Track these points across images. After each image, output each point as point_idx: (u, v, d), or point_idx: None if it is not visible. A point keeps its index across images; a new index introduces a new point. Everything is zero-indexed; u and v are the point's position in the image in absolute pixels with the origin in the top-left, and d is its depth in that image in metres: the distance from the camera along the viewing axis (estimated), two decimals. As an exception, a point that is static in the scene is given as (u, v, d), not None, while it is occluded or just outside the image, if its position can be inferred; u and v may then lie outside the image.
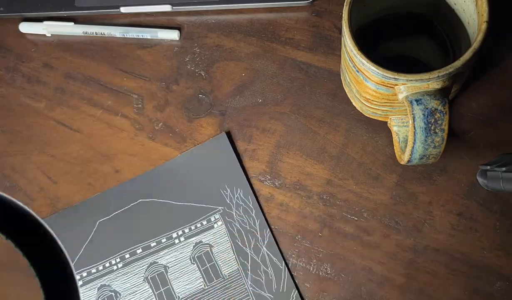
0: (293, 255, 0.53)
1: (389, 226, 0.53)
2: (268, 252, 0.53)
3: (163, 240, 0.54)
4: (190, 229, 0.54)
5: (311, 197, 0.54)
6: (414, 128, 0.45)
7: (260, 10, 0.60)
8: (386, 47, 0.56)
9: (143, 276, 0.53)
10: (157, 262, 0.53)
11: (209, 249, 0.53)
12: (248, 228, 0.54)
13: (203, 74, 0.59)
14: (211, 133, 0.57)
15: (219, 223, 0.54)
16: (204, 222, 0.54)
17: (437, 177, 0.54)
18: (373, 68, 0.46)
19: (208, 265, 0.53)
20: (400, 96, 0.46)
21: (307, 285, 0.52)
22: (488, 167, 0.51)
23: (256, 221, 0.54)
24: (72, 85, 0.60)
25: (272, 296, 0.52)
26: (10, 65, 0.61)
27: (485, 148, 0.54)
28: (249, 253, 0.53)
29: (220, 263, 0.53)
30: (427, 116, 0.44)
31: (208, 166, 0.55)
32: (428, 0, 0.53)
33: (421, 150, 0.46)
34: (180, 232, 0.54)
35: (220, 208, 0.54)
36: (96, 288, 0.53)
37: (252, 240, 0.53)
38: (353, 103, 0.55)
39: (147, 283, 0.53)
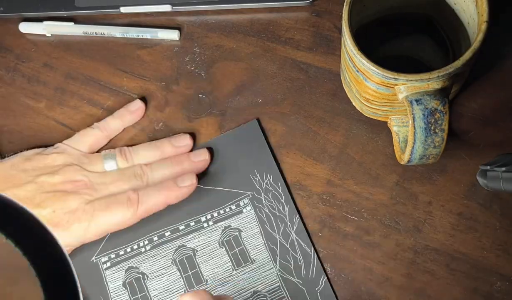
0: (293, 255, 0.53)
1: (389, 226, 0.53)
2: (297, 237, 0.53)
3: (192, 224, 0.54)
4: (219, 213, 0.54)
5: (311, 197, 0.54)
6: (414, 128, 0.45)
7: (260, 10, 0.60)
8: (386, 47, 0.56)
9: (171, 258, 0.53)
10: (185, 245, 0.53)
11: (238, 233, 0.53)
12: (277, 213, 0.53)
13: (203, 74, 0.59)
14: (211, 133, 0.57)
15: (248, 208, 0.54)
16: (233, 207, 0.54)
17: (437, 177, 0.54)
18: (373, 68, 0.46)
19: (236, 249, 0.53)
20: (400, 96, 0.46)
21: (307, 285, 0.52)
22: (488, 167, 0.51)
23: (285, 206, 0.54)
24: (72, 85, 0.60)
25: (301, 281, 0.52)
26: (10, 65, 0.61)
27: (485, 148, 0.54)
28: (278, 238, 0.53)
29: (248, 248, 0.53)
30: (427, 116, 0.44)
31: (238, 151, 0.56)
32: (428, 0, 0.53)
33: (421, 150, 0.46)
34: (209, 216, 0.54)
35: (250, 193, 0.54)
36: (124, 270, 0.53)
37: (281, 225, 0.53)
38: (353, 103, 0.55)
39: (175, 266, 0.53)
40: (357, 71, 0.48)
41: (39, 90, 0.60)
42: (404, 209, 0.53)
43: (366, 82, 0.48)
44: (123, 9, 0.61)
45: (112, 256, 0.54)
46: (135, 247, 0.54)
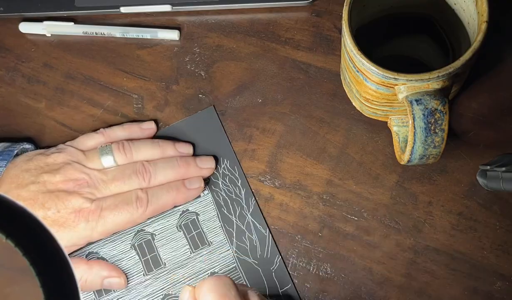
0: (293, 255, 0.53)
1: (389, 226, 0.53)
2: (253, 219, 0.54)
3: None
4: None
5: (311, 197, 0.54)
6: (414, 128, 0.45)
7: (260, 10, 0.60)
8: (386, 47, 0.56)
9: (130, 243, 0.54)
10: (144, 230, 0.55)
11: (195, 217, 0.55)
12: (234, 196, 0.55)
13: (203, 74, 0.59)
14: (211, 133, 0.57)
15: (206, 192, 0.55)
16: None
17: (437, 177, 0.54)
18: (373, 68, 0.46)
19: (194, 233, 0.54)
20: (400, 96, 0.46)
21: (307, 285, 0.52)
22: (488, 167, 0.51)
23: (241, 190, 0.55)
24: (72, 85, 0.60)
25: (256, 262, 0.53)
26: (10, 65, 0.61)
27: (485, 148, 0.54)
28: (235, 221, 0.54)
29: (206, 231, 0.54)
30: (427, 116, 0.44)
31: (195, 137, 0.57)
32: (428, 0, 0.53)
33: (421, 150, 0.46)
34: None
35: (207, 178, 0.56)
36: (84, 256, 0.54)
37: (238, 208, 0.54)
38: (353, 103, 0.55)
39: (133, 250, 0.54)
40: (357, 71, 0.48)
41: (39, 90, 0.60)
42: (404, 209, 0.53)
43: (366, 82, 0.48)
44: (123, 9, 0.61)
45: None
46: None
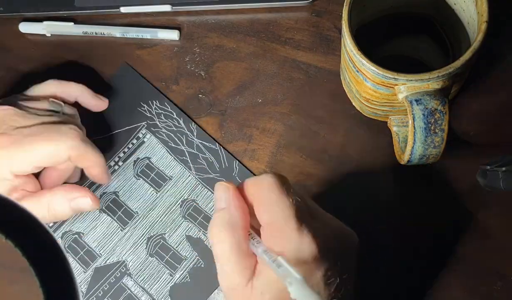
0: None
1: (390, 226, 0.53)
2: (200, 141, 0.56)
3: None
4: (124, 152, 0.57)
5: (311, 196, 0.54)
6: (414, 128, 0.45)
7: (260, 10, 0.60)
8: (386, 47, 0.56)
9: (98, 208, 0.55)
10: (107, 192, 0.56)
11: (148, 161, 0.56)
12: (174, 129, 0.57)
13: (203, 74, 0.59)
14: (211, 133, 0.57)
15: (148, 135, 0.57)
16: (134, 141, 0.57)
17: (437, 177, 0.54)
18: (373, 68, 0.46)
19: (152, 174, 0.56)
20: (400, 96, 0.46)
21: (307, 285, 0.52)
22: (488, 167, 0.51)
23: (179, 120, 0.57)
24: (72, 85, 0.60)
25: (218, 174, 0.56)
26: (10, 65, 0.61)
27: (485, 148, 0.54)
28: (184, 149, 0.56)
29: (162, 169, 0.56)
30: (427, 116, 0.44)
31: (120, 94, 0.58)
32: (428, 0, 0.53)
33: (421, 149, 0.46)
34: (116, 159, 0.57)
35: (143, 123, 0.57)
36: (60, 237, 0.55)
37: (183, 137, 0.57)
38: (353, 103, 0.55)
39: (104, 213, 0.55)
40: (357, 71, 0.48)
41: (39, 90, 0.60)
42: (404, 209, 0.53)
43: (366, 82, 0.48)
44: (123, 9, 0.61)
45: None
46: None
